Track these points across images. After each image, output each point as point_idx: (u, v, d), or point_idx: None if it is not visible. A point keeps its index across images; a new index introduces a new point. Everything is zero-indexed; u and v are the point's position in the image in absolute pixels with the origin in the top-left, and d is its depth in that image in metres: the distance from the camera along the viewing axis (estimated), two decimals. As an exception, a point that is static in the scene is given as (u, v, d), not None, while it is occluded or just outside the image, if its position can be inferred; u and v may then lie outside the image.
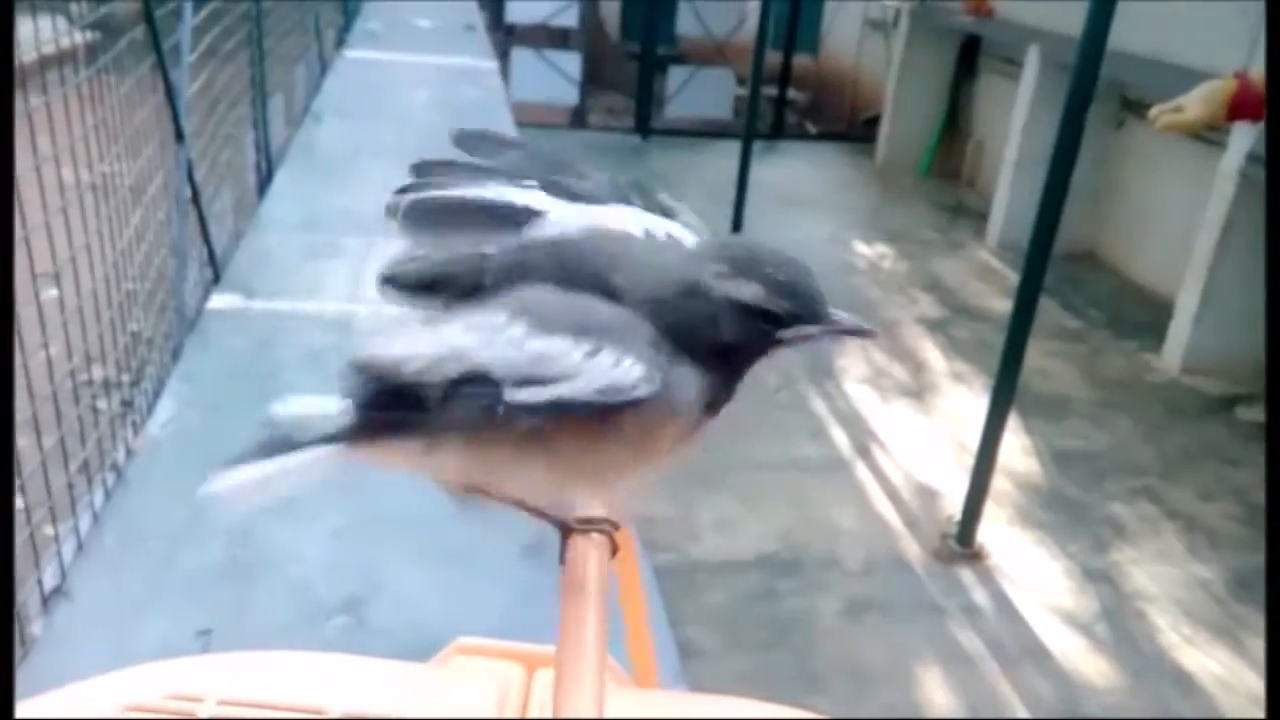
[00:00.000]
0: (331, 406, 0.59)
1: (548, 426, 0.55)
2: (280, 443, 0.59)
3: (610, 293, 0.57)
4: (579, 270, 0.58)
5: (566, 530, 0.68)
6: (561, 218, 0.62)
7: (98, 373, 2.01)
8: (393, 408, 0.57)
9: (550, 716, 0.59)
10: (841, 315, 0.57)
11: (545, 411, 0.54)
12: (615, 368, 0.54)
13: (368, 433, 0.58)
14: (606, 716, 0.55)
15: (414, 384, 0.56)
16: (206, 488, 0.58)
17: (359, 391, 0.58)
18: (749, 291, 0.56)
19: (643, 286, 0.57)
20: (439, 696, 0.68)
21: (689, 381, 0.56)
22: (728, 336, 0.56)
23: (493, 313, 0.56)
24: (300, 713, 0.67)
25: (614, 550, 0.68)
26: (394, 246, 0.62)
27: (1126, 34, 3.05)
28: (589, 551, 0.66)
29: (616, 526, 0.69)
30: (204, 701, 0.69)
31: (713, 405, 0.59)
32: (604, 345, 0.54)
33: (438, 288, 0.60)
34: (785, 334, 0.57)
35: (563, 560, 0.66)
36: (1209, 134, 4.50)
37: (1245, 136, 4.26)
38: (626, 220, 0.62)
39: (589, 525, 0.68)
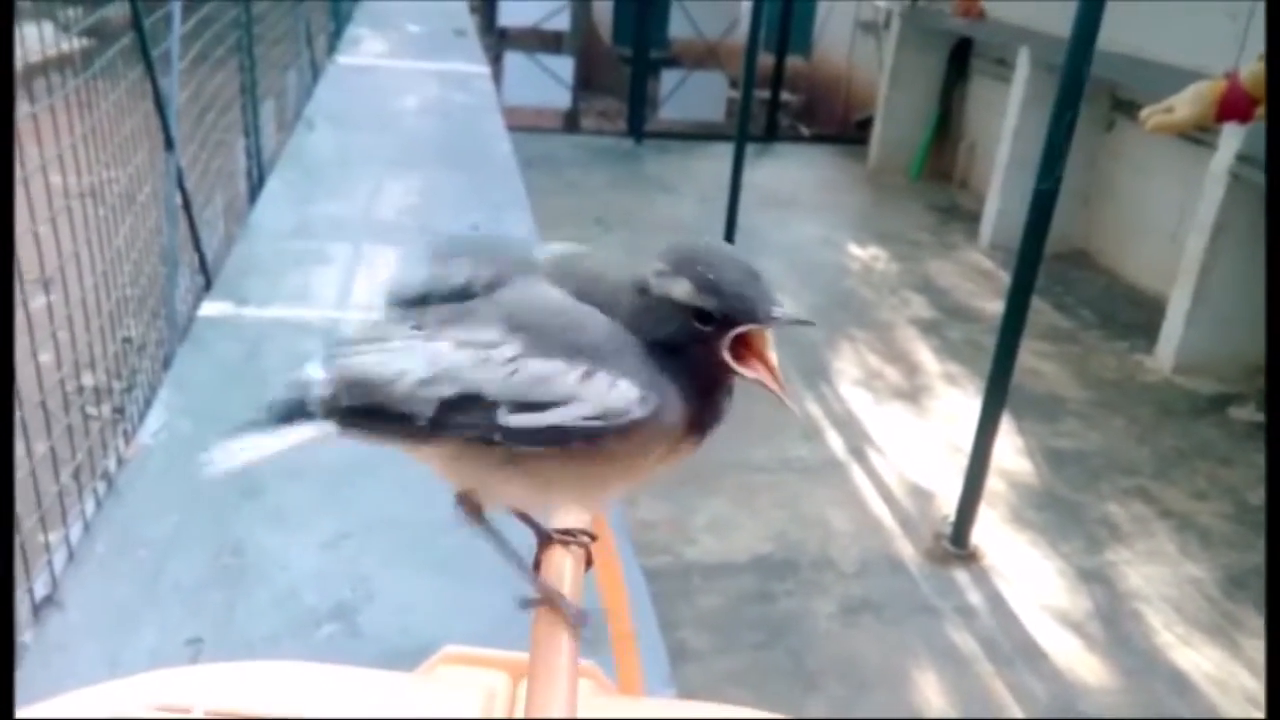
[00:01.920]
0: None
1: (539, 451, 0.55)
2: (283, 411, 0.61)
3: (585, 296, 0.58)
4: (561, 277, 0.59)
5: (544, 539, 0.68)
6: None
7: (89, 380, 2.01)
8: (381, 418, 0.57)
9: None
10: (781, 311, 0.55)
11: (541, 438, 0.54)
12: (611, 390, 0.53)
13: (357, 429, 0.59)
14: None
15: (404, 402, 0.56)
16: (210, 460, 0.62)
17: (346, 399, 0.58)
18: (679, 288, 0.55)
19: (606, 285, 0.58)
20: (424, 706, 0.68)
21: (674, 399, 0.56)
22: (671, 336, 0.56)
23: (484, 328, 0.56)
24: (286, 723, 0.67)
25: (588, 563, 0.68)
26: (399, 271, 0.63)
27: (1116, 34, 3.06)
28: (564, 562, 0.65)
29: (594, 538, 0.69)
30: (191, 712, 0.69)
31: (699, 424, 0.58)
32: (599, 367, 0.54)
33: (430, 299, 0.60)
34: (723, 333, 0.55)
35: (537, 568, 0.66)
36: (1199, 134, 4.52)
37: (1234, 137, 4.27)
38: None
39: (567, 536, 0.68)
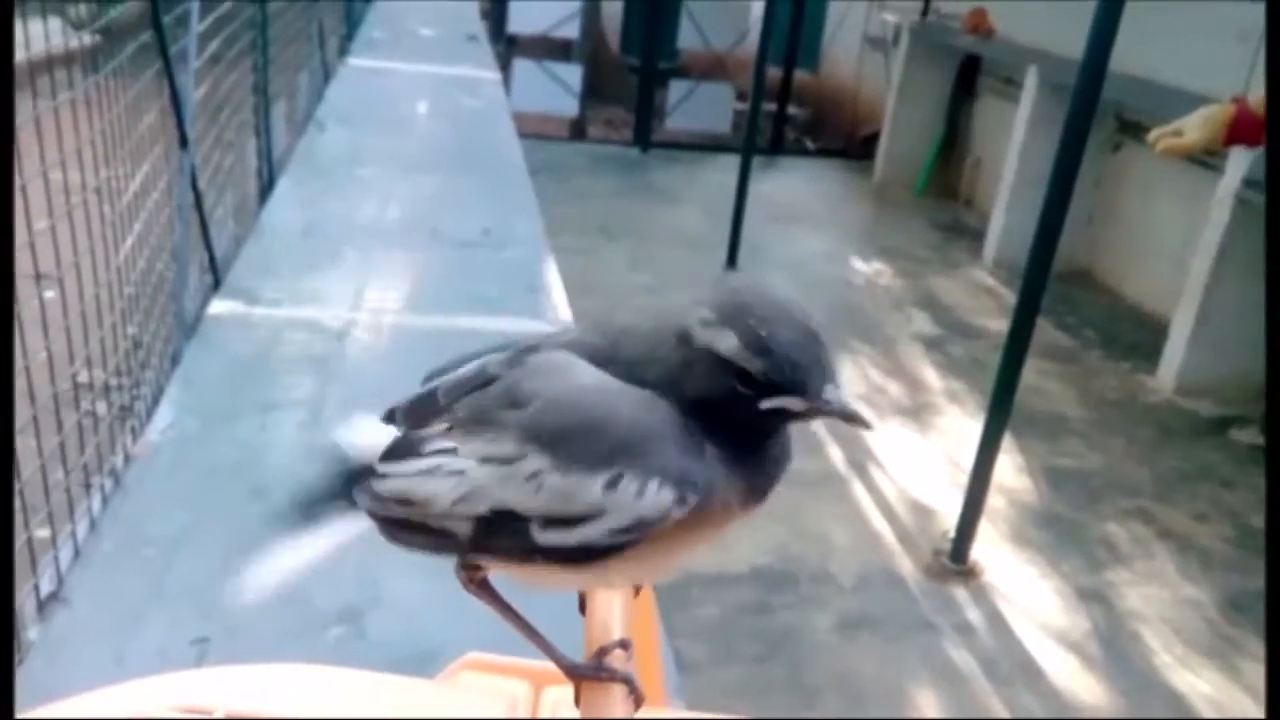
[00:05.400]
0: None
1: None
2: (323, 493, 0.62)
3: (616, 352, 0.53)
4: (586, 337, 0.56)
5: None
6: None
7: (97, 376, 2.01)
8: (423, 532, 0.57)
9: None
10: (835, 395, 0.49)
11: (576, 555, 0.52)
12: (640, 499, 0.49)
13: (400, 540, 0.59)
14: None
15: (442, 520, 0.55)
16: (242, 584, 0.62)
17: (388, 515, 0.58)
18: (725, 342, 0.49)
19: (641, 337, 0.53)
20: (448, 711, 0.68)
21: (721, 475, 0.51)
22: (708, 392, 0.50)
23: (502, 438, 0.53)
24: (309, 727, 0.67)
25: (636, 591, 0.66)
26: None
27: (1125, 56, 3.07)
28: (612, 599, 0.62)
29: None
30: (213, 714, 0.69)
31: (755, 486, 0.54)
32: (624, 470, 0.49)
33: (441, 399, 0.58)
34: (764, 403, 0.49)
35: (582, 607, 0.63)
36: (1205, 158, 4.54)
37: (1241, 161, 4.29)
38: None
39: None
